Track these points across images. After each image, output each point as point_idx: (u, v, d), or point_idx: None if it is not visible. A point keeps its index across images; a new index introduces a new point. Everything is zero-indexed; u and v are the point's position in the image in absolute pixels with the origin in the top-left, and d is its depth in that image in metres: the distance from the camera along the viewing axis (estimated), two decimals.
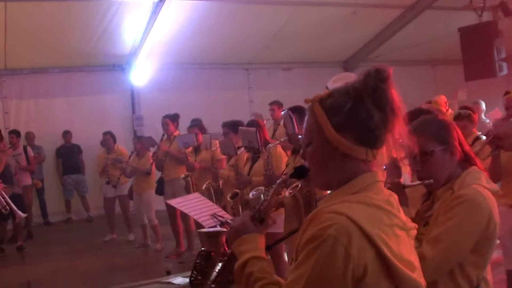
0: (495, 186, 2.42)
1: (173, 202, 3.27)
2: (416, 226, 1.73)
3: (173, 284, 7.25)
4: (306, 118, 1.74)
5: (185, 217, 8.55)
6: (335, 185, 1.67)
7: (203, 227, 2.80)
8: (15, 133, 11.07)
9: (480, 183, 2.37)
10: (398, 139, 1.66)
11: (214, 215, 2.60)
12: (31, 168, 11.12)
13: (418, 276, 1.61)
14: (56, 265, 8.61)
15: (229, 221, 2.31)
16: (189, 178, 7.99)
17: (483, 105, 9.97)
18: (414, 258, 1.64)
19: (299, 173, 1.97)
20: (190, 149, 8.29)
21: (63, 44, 11.21)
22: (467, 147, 2.51)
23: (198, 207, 2.76)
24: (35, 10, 10.03)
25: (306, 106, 1.75)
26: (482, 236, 2.29)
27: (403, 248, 1.58)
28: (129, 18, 11.01)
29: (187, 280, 7.62)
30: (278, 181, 2.18)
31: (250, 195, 4.97)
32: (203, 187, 7.23)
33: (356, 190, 1.62)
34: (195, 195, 2.98)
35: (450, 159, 2.44)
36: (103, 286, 7.45)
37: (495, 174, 4.51)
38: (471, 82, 11.81)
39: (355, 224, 1.50)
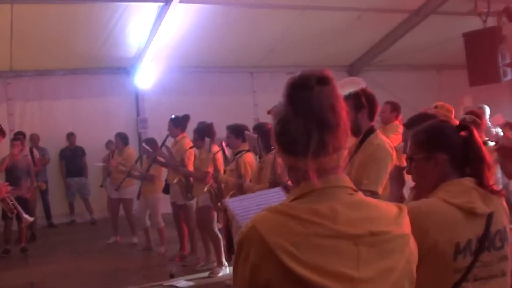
0: (469, 203, 2.29)
1: (228, 202, 3.28)
2: (389, 229, 1.61)
3: (177, 287, 7.27)
4: None
5: (187, 220, 8.57)
6: None
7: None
8: (22, 134, 11.10)
9: (444, 197, 2.31)
10: (339, 146, 1.61)
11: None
12: (36, 169, 11.16)
13: (362, 286, 1.52)
14: (59, 267, 8.62)
15: None
16: (181, 184, 8.07)
17: (488, 110, 9.96)
18: (366, 268, 1.54)
19: None
20: (192, 151, 8.33)
21: (68, 46, 11.24)
22: (473, 153, 2.41)
23: (255, 203, 2.76)
24: (41, 12, 10.08)
25: None
26: (419, 251, 2.17)
27: (330, 258, 1.51)
28: (134, 21, 11.05)
29: (191, 283, 7.66)
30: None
31: None
32: (205, 190, 7.29)
33: (295, 196, 1.62)
34: (274, 190, 2.96)
35: (433, 168, 2.40)
36: None
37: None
38: (475, 87, 11.81)
39: (257, 233, 1.52)
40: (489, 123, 9.60)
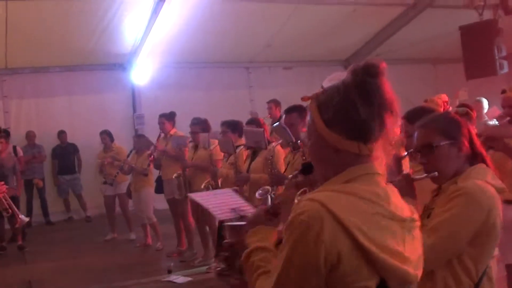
0: (500, 184, 2.45)
1: (194, 195, 3.30)
2: (415, 217, 1.72)
3: (175, 282, 7.27)
4: (308, 116, 1.79)
5: (184, 216, 8.56)
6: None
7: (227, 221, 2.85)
8: (5, 132, 11.04)
9: (483, 179, 2.41)
10: (393, 134, 1.68)
11: (235, 209, 2.63)
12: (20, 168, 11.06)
13: (412, 267, 1.61)
14: (57, 264, 8.60)
15: (248, 215, 2.36)
16: (181, 178, 8.05)
17: (486, 103, 9.96)
18: (411, 250, 1.63)
19: (306, 169, 2.05)
20: (187, 148, 8.33)
21: (64, 43, 11.21)
22: (477, 145, 2.55)
23: (221, 201, 2.80)
24: (36, 9, 10.03)
25: (304, 104, 1.79)
26: (480, 229, 2.33)
27: (389, 238, 1.58)
28: (130, 16, 11.01)
29: (189, 278, 7.64)
30: (290, 176, 2.26)
31: (257, 194, 4.97)
32: (202, 186, 7.27)
33: (344, 180, 1.65)
34: (226, 190, 3.01)
35: (457, 155, 2.49)
36: (104, 285, 7.45)
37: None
38: (472, 80, 11.80)
39: (328, 211, 1.53)
40: (485, 116, 9.59)
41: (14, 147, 11.11)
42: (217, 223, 8.10)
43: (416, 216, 1.73)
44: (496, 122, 9.23)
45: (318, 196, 1.58)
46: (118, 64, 12.90)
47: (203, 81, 13.41)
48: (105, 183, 10.32)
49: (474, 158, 2.52)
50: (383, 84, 1.67)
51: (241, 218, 2.50)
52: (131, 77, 12.87)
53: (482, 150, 2.56)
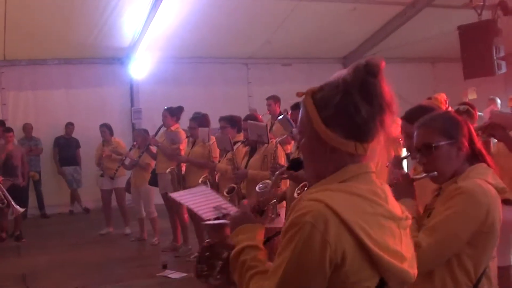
0: (501, 183, 2.43)
1: (174, 195, 3.26)
2: (409, 216, 1.71)
3: (169, 278, 7.26)
4: (300, 111, 1.76)
5: (179, 211, 8.55)
6: (325, 177, 1.68)
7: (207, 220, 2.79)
8: (1, 124, 11.05)
9: (483, 178, 2.39)
10: (390, 134, 1.66)
11: (217, 207, 2.59)
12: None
13: (408, 266, 1.61)
14: (51, 258, 8.57)
15: (231, 213, 2.32)
16: (175, 173, 8.05)
17: (499, 102, 10.03)
18: (406, 249, 1.64)
19: (295, 165, 2.04)
20: (185, 142, 8.31)
21: (62, 35, 11.19)
22: (478, 144, 2.53)
23: (201, 200, 2.75)
24: (35, 1, 10.01)
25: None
26: (479, 229, 2.32)
27: (389, 238, 1.58)
28: (129, 11, 10.98)
29: (183, 274, 7.62)
30: (276, 173, 2.23)
31: (257, 188, 4.95)
32: (200, 181, 7.26)
33: (342, 179, 1.63)
34: (202, 188, 2.95)
35: (457, 154, 2.47)
36: (99, 280, 7.43)
37: None
38: (470, 80, 11.81)
39: (332, 211, 1.51)
40: (481, 113, 9.63)
41: None
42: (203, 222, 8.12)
43: (406, 214, 1.71)
44: None
45: (321, 196, 1.56)
46: (116, 58, 12.89)
47: (202, 76, 13.41)
48: (102, 176, 10.30)
49: (474, 157, 2.50)
50: (384, 83, 1.65)
51: (224, 216, 2.46)
52: (130, 71, 12.87)
53: (483, 150, 2.54)
